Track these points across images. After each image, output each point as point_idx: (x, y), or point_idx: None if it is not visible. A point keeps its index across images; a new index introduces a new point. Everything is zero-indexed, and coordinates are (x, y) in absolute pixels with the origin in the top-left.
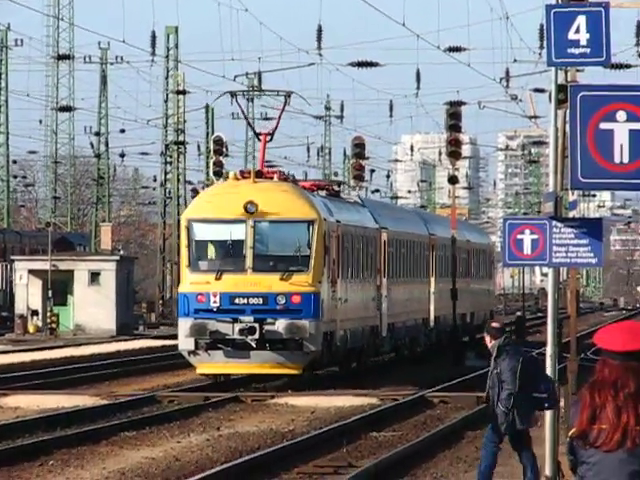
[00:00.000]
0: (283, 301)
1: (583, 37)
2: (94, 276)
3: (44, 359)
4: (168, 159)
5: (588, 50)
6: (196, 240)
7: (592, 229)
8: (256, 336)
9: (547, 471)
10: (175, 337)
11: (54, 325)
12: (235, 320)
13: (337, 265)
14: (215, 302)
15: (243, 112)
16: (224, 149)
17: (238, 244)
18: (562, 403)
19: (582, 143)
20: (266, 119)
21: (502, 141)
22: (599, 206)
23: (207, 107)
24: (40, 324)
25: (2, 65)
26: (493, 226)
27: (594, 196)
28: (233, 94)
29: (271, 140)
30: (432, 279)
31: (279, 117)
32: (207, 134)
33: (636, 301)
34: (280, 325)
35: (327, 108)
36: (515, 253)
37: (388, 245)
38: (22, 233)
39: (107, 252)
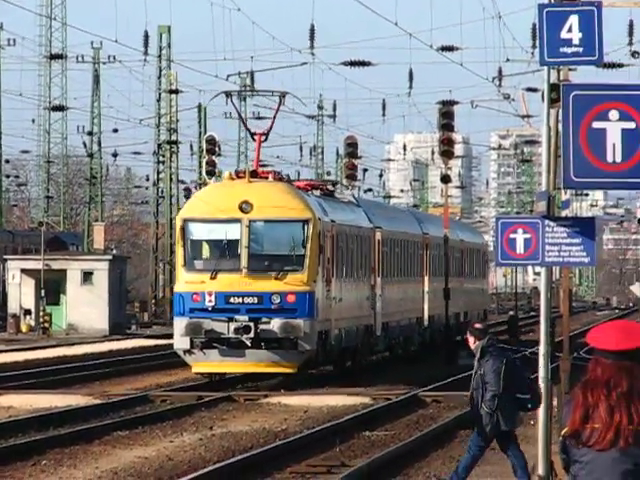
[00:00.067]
0: (278, 300)
1: (575, 36)
2: (87, 275)
3: (37, 358)
4: (161, 158)
5: (580, 49)
6: (191, 240)
7: (585, 228)
8: (251, 335)
9: (540, 470)
10: (168, 336)
11: (47, 324)
12: (230, 319)
13: (332, 264)
14: (210, 301)
15: (238, 112)
16: (217, 148)
17: (233, 244)
18: (555, 402)
19: (575, 142)
20: (258, 118)
21: (495, 140)
22: (592, 205)
23: (200, 106)
24: (33, 323)
25: None
26: (486, 225)
27: (587, 195)
28: (228, 94)
29: (266, 140)
30: (426, 278)
31: (274, 117)
32: (200, 133)
33: (629, 300)
34: (275, 324)
35: (320, 107)
36: (508, 252)
37: (382, 244)
38: (15, 232)
39: (100, 251)
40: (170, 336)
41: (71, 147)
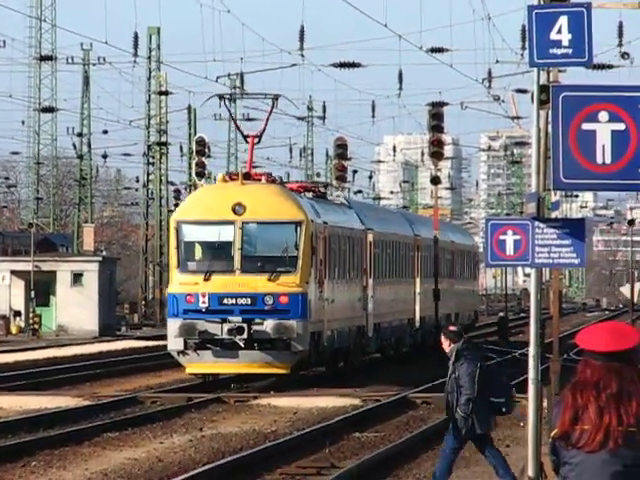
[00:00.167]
0: (271, 301)
1: (565, 38)
2: (77, 277)
3: (27, 360)
4: (150, 160)
5: (570, 51)
6: (185, 241)
7: (574, 230)
8: (244, 336)
9: (530, 472)
10: (157, 338)
11: (37, 326)
12: (224, 320)
13: (324, 266)
14: (204, 302)
15: (231, 114)
16: (206, 150)
17: (227, 245)
18: (545, 404)
19: (564, 144)
20: (248, 120)
21: (484, 142)
22: (582, 207)
23: (189, 108)
24: (23, 325)
25: None
26: (475, 227)
27: (577, 197)
28: (221, 97)
29: (259, 142)
30: (417, 280)
31: (267, 120)
32: (189, 135)
33: (618, 301)
34: (268, 325)
35: (309, 109)
36: (497, 254)
37: (374, 246)
38: (4, 234)
39: (89, 253)
40: (160, 337)
41: (61, 148)
